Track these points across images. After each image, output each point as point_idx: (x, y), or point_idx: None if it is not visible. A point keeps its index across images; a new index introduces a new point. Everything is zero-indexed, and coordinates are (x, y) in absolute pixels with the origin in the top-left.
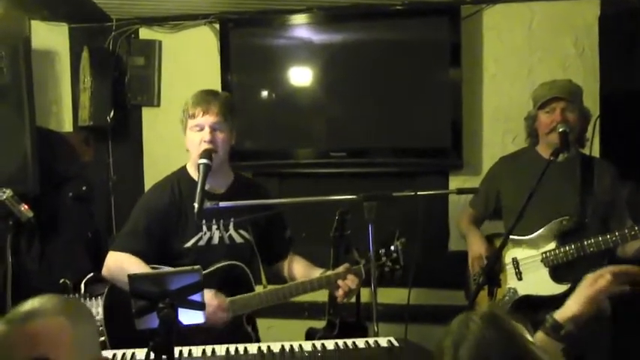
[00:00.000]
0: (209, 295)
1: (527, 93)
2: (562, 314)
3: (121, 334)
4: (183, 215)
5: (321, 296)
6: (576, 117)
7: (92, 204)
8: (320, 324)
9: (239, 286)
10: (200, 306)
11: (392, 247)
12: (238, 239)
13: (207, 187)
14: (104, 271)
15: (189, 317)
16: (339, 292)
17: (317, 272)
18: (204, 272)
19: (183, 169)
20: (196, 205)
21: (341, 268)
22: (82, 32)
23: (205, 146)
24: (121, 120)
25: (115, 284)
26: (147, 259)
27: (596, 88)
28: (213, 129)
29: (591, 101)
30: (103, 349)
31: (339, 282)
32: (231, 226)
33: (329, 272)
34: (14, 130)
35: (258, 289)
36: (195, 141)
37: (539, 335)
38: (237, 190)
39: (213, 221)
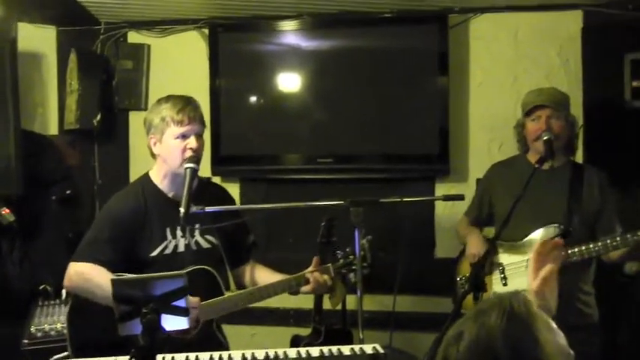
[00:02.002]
0: None
1: (512, 102)
2: None
3: (86, 345)
4: (148, 224)
5: (307, 303)
6: (562, 125)
7: (77, 208)
8: (305, 331)
9: (208, 291)
10: (184, 312)
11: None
12: (205, 244)
13: (170, 195)
14: (65, 283)
15: (172, 323)
16: (309, 286)
17: (282, 277)
18: None
19: (147, 176)
20: (182, 209)
21: (310, 268)
22: (70, 35)
23: (190, 153)
24: (108, 124)
25: (78, 297)
26: (112, 269)
27: (580, 97)
28: (198, 136)
29: (575, 110)
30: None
31: (307, 275)
32: (196, 232)
33: (298, 274)
34: None
35: (228, 294)
36: (179, 148)
37: None
38: (201, 196)
39: (178, 228)
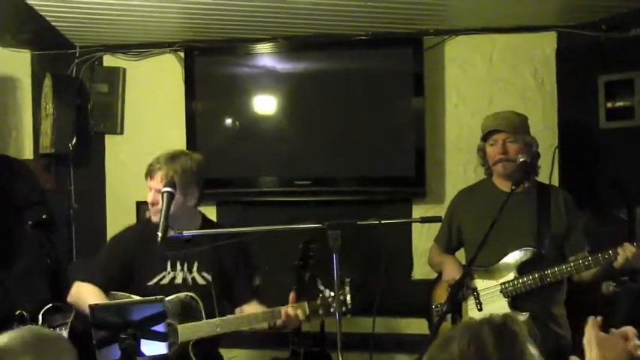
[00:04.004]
0: None
1: None
2: None
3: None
4: (148, 255)
5: None
6: (519, 148)
7: (52, 232)
8: (284, 354)
9: (189, 317)
10: (163, 337)
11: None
12: (201, 281)
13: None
14: (68, 299)
15: (151, 348)
16: (280, 320)
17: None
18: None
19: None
20: (159, 234)
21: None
22: (45, 59)
23: (151, 207)
24: (84, 147)
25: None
26: (107, 290)
27: (555, 118)
28: (158, 192)
29: (550, 131)
30: None
31: (283, 312)
32: (194, 269)
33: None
34: None
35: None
36: (149, 200)
37: None
38: (202, 237)
39: (178, 263)
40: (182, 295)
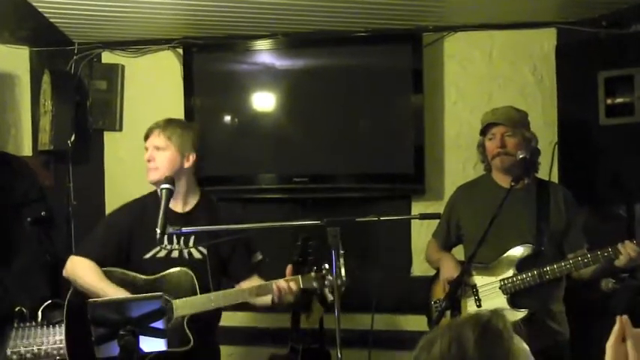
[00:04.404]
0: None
1: None
2: None
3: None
4: (144, 228)
5: (284, 322)
6: (517, 142)
7: (52, 229)
8: (283, 351)
9: (185, 292)
10: (162, 333)
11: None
12: (197, 255)
13: (171, 205)
14: (64, 273)
15: (150, 344)
16: (274, 295)
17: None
18: (156, 276)
19: (155, 191)
20: (158, 230)
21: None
22: (44, 55)
23: (148, 165)
24: (83, 144)
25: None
26: (103, 265)
27: (555, 115)
28: (155, 149)
29: (550, 128)
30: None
31: (274, 285)
32: (191, 243)
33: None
34: None
35: None
36: (145, 158)
37: None
38: (201, 212)
39: (174, 236)
40: (177, 269)
